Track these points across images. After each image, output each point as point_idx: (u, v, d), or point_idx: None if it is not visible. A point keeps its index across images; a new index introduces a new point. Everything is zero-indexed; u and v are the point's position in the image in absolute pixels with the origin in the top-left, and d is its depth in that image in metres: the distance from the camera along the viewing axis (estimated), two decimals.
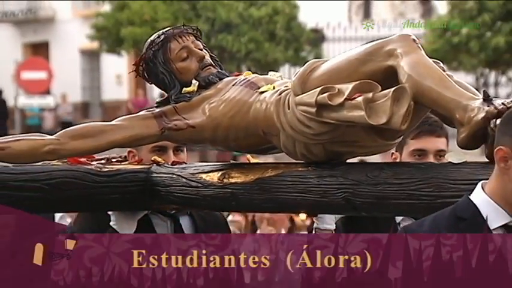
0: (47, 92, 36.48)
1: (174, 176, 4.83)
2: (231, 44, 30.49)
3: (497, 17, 28.58)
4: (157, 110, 4.75)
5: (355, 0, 37.20)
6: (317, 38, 31.13)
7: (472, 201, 3.64)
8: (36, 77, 35.14)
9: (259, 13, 30.08)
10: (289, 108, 4.26)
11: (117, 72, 38.81)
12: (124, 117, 4.89)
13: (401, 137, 4.47)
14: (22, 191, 4.62)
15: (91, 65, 40.83)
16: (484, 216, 3.57)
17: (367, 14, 36.69)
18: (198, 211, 5.10)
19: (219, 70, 4.80)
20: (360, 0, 37.19)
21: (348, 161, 4.50)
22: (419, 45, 4.16)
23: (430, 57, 4.21)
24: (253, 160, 4.83)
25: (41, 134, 4.82)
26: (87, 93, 41.27)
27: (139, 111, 4.90)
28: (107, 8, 31.99)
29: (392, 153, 4.94)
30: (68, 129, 4.82)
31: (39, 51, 42.16)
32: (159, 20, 29.94)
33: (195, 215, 5.12)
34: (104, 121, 4.96)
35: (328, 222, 4.87)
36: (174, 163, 4.97)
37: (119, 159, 5.09)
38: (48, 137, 4.71)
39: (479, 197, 3.63)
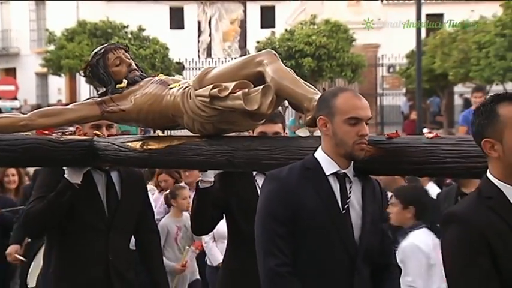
0: (15, 98, 35.31)
1: (109, 144, 4.30)
2: None
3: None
4: (99, 99, 4.25)
5: (202, 45, 37.05)
6: (179, 68, 30.67)
7: (315, 157, 3.37)
8: (8, 89, 33.99)
9: (145, 52, 29.44)
10: (190, 99, 3.83)
11: (58, 86, 37.85)
12: (76, 103, 4.45)
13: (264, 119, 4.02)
14: (3, 151, 4.10)
15: (42, 82, 39.72)
16: (322, 167, 3.32)
17: (209, 53, 36.40)
18: (124, 168, 4.57)
19: (141, 73, 4.30)
20: (204, 45, 37.12)
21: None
22: (278, 58, 3.78)
23: None
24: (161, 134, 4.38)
25: (17, 114, 4.40)
26: (39, 99, 39.82)
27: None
28: (52, 47, 30.84)
29: (249, 132, 4.42)
30: (36, 110, 4.37)
31: (9, 73, 40.77)
32: (84, 55, 29.21)
33: (121, 170, 4.59)
34: None
35: (209, 176, 4.35)
36: (108, 135, 4.45)
37: (70, 132, 4.57)
38: (22, 115, 4.27)
39: (319, 153, 3.37)
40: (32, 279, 5.42)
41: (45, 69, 33.34)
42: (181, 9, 36.89)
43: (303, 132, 3.74)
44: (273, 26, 33.96)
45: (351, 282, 3.21)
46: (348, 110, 3.23)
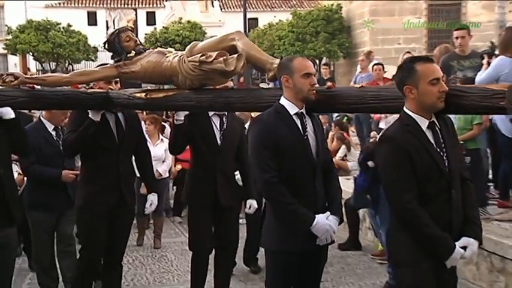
0: None
1: (121, 94, 3.73)
2: (63, 52, 27.01)
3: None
4: (115, 64, 3.66)
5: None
6: (94, 50, 28.01)
7: (281, 104, 2.97)
8: None
9: (73, 40, 27.08)
10: (185, 63, 3.34)
11: (14, 62, 33.73)
12: (100, 66, 3.77)
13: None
14: (52, 99, 3.53)
15: (3, 60, 35.29)
16: (288, 109, 2.94)
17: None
18: (127, 110, 3.98)
19: (144, 47, 3.70)
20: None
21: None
22: (245, 35, 3.38)
23: None
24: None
25: (61, 74, 3.77)
26: (1, 71, 35.59)
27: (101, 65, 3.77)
28: (10, 37, 27.86)
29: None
30: (75, 71, 3.83)
31: None
32: (32, 42, 26.83)
33: (124, 112, 3.99)
34: None
35: (181, 116, 3.95)
36: (119, 89, 3.86)
37: (90, 87, 3.95)
38: (65, 75, 3.63)
39: (283, 101, 2.97)
40: None
41: (5, 51, 30.18)
42: (95, 13, 34.45)
43: (265, 85, 3.36)
44: (155, 24, 32.25)
45: (313, 183, 2.95)
46: (302, 69, 2.89)
